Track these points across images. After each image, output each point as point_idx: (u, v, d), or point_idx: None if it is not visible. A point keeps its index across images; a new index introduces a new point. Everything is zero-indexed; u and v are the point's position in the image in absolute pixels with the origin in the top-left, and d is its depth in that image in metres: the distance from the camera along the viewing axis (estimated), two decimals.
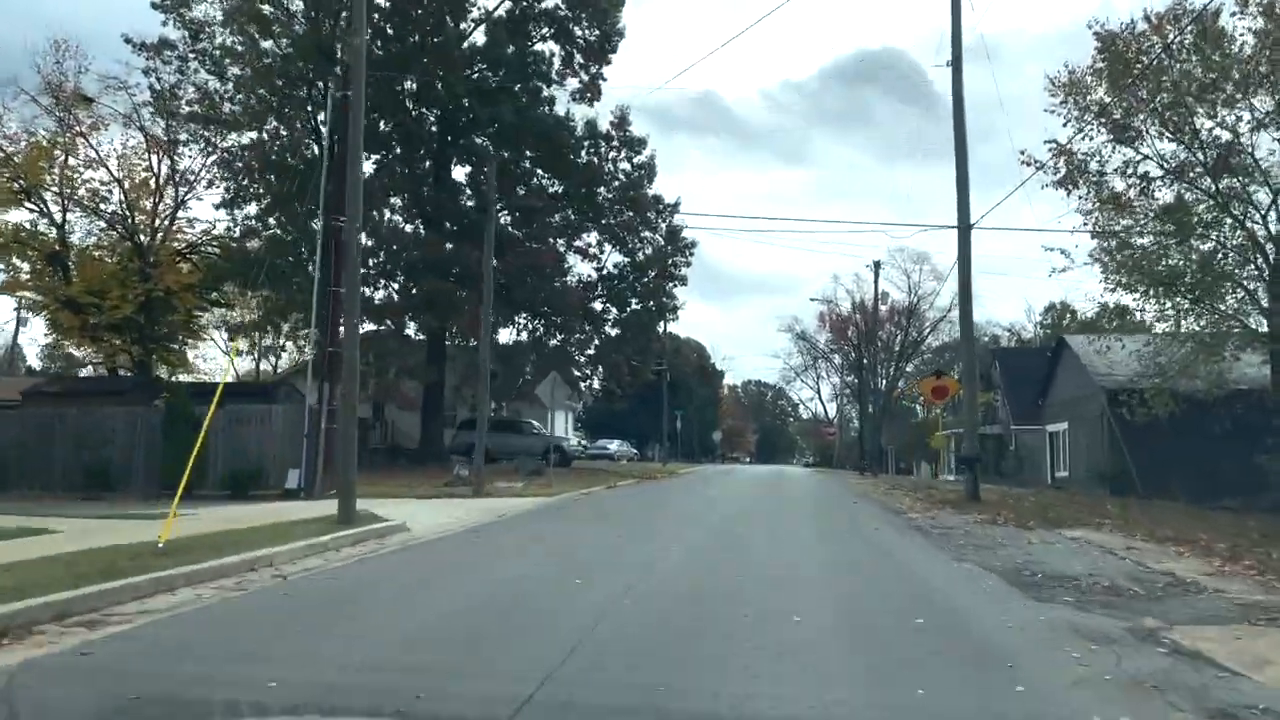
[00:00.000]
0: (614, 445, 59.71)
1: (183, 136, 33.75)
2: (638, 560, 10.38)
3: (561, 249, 36.61)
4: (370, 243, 32.86)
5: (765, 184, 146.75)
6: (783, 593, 8.67)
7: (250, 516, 13.55)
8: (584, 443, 58.66)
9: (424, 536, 12.62)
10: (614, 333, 39.29)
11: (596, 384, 70.61)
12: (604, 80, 37.64)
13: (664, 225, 38.75)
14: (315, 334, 20.94)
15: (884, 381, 72.35)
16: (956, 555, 12.01)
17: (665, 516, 16.49)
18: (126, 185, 34.14)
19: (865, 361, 77.46)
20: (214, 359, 51.64)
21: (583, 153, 36.74)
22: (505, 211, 37.16)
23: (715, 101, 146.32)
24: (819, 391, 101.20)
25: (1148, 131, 23.37)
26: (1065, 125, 23.66)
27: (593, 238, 38.62)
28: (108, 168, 33.95)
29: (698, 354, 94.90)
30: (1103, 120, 23.24)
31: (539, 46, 37.04)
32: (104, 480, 21.66)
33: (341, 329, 18.18)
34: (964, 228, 22.11)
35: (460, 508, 17.21)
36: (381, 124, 35.37)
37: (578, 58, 37.39)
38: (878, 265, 60.81)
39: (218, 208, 33.53)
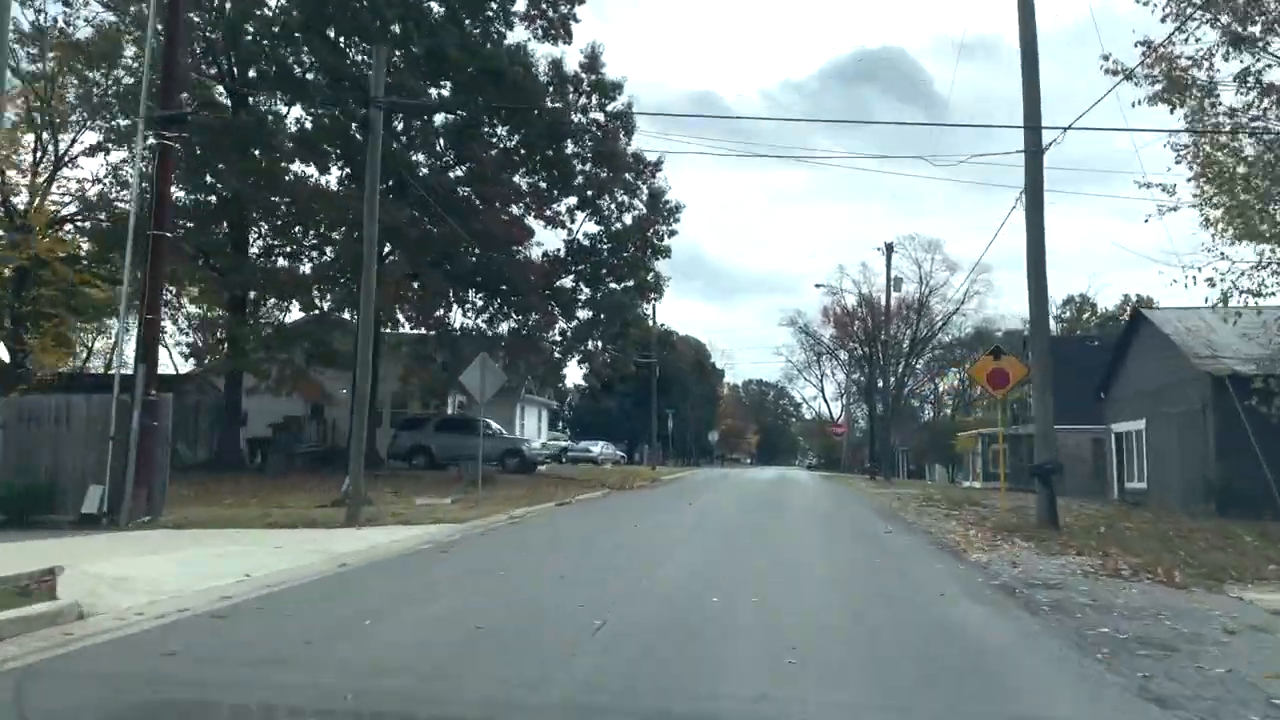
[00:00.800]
0: (597, 448, 53.63)
1: (49, 65, 27.68)
2: None
3: (520, 213, 30.48)
4: (279, 199, 26.84)
5: (765, 183, 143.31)
6: None
7: None
8: (550, 444, 52.51)
9: (94, 633, 6.62)
10: (586, 315, 33.26)
11: (581, 379, 64.70)
12: (576, 21, 31.72)
13: (645, 188, 32.73)
14: (127, 290, 14.95)
15: (892, 379, 65.97)
16: (1125, 675, 6.03)
17: (592, 571, 10.41)
18: None
19: (875, 358, 71.47)
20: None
21: (546, 99, 30.65)
22: (459, 166, 31.06)
23: (715, 101, 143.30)
24: (823, 390, 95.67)
25: (1277, 28, 17.43)
26: (1164, 21, 17.71)
27: (562, 206, 32.57)
28: None
29: (696, 351, 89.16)
30: (1216, 11, 17.26)
31: None
32: None
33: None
34: (1034, 149, 16.07)
35: (294, 548, 11.25)
36: (307, 70, 29.37)
37: None
38: (890, 247, 54.99)
39: (88, 153, 27.36)
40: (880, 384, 65.87)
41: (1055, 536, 14.67)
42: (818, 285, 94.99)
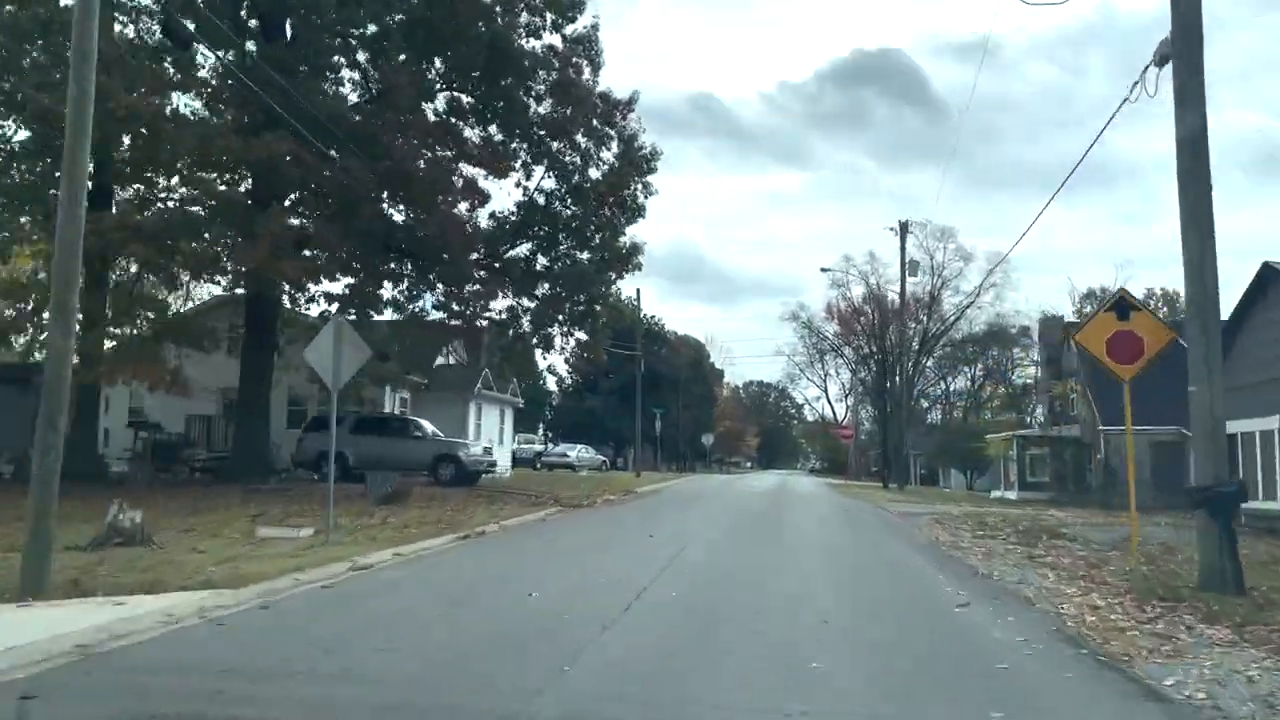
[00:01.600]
0: (574, 452, 47.43)
1: None
2: None
3: (453, 156, 24.13)
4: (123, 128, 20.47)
5: (765, 184, 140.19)
6: None
7: None
8: (523, 448, 46.35)
9: None
10: (544, 291, 27.01)
11: (547, 370, 58.37)
12: None
13: (615, 134, 26.47)
14: None
15: (902, 377, 59.48)
16: None
17: None
18: None
19: (884, 355, 65.10)
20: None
21: (495, 20, 24.28)
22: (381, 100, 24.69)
23: (713, 103, 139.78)
24: (826, 390, 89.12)
25: None
26: None
27: (517, 163, 26.30)
28: None
29: (694, 350, 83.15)
30: None
31: None
32: None
33: None
34: None
35: None
36: None
37: None
38: (904, 226, 48.85)
39: None
40: (888, 384, 59.63)
41: (1258, 613, 8.45)
42: (823, 269, 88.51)
